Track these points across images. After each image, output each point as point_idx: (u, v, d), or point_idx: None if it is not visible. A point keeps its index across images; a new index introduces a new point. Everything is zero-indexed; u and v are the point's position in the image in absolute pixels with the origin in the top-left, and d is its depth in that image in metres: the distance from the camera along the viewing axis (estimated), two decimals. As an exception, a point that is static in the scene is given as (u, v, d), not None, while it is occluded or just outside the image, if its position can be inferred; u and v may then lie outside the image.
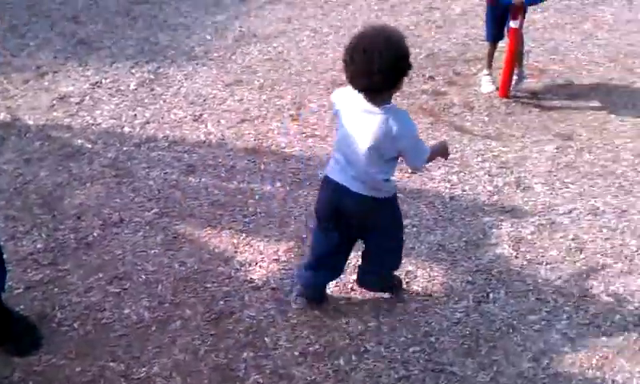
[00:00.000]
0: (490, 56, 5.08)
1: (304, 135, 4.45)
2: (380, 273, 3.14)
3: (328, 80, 5.09)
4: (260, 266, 3.35)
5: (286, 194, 3.87)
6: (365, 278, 3.15)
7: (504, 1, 4.54)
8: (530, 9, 4.80)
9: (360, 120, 2.66)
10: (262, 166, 4.12)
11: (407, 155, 2.74)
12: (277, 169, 4.10)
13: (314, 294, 3.13)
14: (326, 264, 3.02)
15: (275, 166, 4.13)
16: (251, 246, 3.49)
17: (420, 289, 3.24)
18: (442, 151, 3.03)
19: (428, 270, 3.35)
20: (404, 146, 2.69)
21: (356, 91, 2.63)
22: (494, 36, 4.98)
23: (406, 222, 3.58)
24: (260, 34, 5.94)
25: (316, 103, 4.81)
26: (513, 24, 4.67)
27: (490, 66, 5.10)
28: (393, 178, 2.83)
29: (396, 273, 3.22)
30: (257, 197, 3.85)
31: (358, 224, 2.88)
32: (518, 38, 4.77)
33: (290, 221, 3.67)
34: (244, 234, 3.56)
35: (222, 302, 3.13)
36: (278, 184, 3.96)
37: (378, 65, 2.50)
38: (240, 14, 6.36)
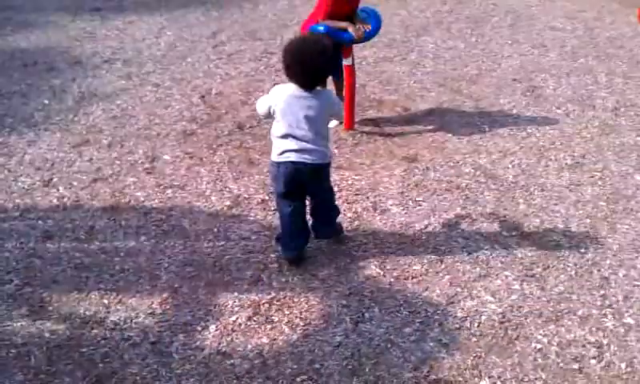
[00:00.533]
0: None
1: (162, 187, 4.41)
2: (333, 222, 3.82)
3: (179, 130, 5.08)
4: (135, 323, 3.28)
5: (153, 247, 3.82)
6: (323, 230, 3.80)
7: (346, 39, 4.78)
8: (360, 45, 5.07)
9: (304, 104, 3.42)
10: (123, 223, 4.04)
11: (337, 112, 3.72)
12: (139, 223, 4.04)
13: (299, 256, 3.69)
14: (299, 229, 3.66)
15: (137, 220, 4.06)
16: (123, 303, 3.41)
17: (299, 319, 3.31)
18: None
19: (304, 299, 3.43)
20: (334, 107, 3.61)
21: (292, 85, 3.42)
22: None
23: (275, 256, 3.70)
24: (101, 93, 5.85)
25: (170, 154, 4.80)
26: (346, 62, 4.97)
27: None
28: None
29: None
30: (122, 254, 3.76)
31: (310, 188, 3.61)
32: (353, 73, 5.04)
33: (160, 273, 3.62)
34: (114, 293, 3.47)
35: (101, 365, 3.03)
36: (143, 238, 3.90)
37: (322, 64, 3.43)
38: (77, 76, 6.23)
